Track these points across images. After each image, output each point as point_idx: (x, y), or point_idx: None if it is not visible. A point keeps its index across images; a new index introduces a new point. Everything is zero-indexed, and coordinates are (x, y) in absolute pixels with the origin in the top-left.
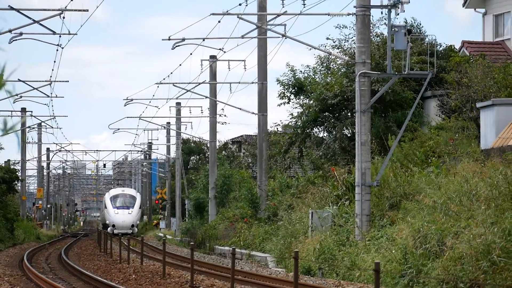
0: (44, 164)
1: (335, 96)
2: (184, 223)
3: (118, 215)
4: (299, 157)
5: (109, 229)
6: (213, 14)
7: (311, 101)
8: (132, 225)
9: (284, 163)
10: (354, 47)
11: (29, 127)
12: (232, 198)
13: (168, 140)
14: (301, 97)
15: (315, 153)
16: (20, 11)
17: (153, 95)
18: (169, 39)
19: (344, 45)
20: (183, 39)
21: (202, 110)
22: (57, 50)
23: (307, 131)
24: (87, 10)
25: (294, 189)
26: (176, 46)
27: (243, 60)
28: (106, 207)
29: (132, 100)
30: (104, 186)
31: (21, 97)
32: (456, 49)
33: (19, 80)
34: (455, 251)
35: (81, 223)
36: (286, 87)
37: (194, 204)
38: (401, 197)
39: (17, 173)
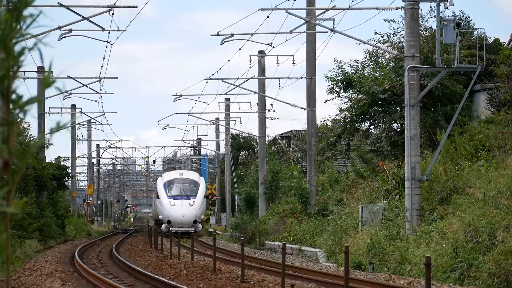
0: (94, 161)
1: (384, 91)
2: (234, 218)
3: (176, 208)
4: (347, 150)
5: (163, 226)
6: (261, 9)
7: (360, 95)
8: (195, 221)
9: (332, 155)
10: (403, 41)
11: (79, 124)
12: (280, 191)
13: (217, 136)
14: (350, 92)
15: (364, 147)
16: (70, 8)
17: (202, 91)
18: (217, 35)
19: (393, 39)
20: (232, 35)
21: (251, 106)
22: (106, 46)
23: (356, 125)
24: (136, 7)
25: (344, 183)
26: (225, 42)
27: (291, 55)
28: (158, 197)
29: (181, 96)
30: (153, 182)
31: (70, 94)
32: (505, 42)
33: (69, 77)
34: (506, 244)
35: (132, 219)
36: (335, 82)
37: (244, 199)
38: (451, 191)
39: (67, 169)
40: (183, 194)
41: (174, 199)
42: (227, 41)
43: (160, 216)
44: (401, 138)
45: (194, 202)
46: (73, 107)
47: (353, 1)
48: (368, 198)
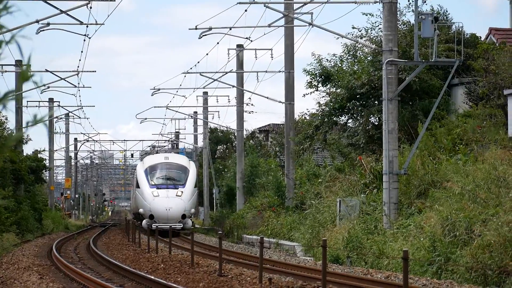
0: (72, 154)
1: (362, 85)
2: (212, 212)
3: (160, 199)
4: (323, 142)
5: (144, 222)
6: (239, 3)
7: (339, 90)
8: (184, 216)
9: (309, 145)
10: (381, 35)
11: (56, 117)
12: (259, 184)
13: (196, 130)
14: (328, 86)
15: (342, 142)
16: (47, 1)
17: (180, 85)
18: (196, 29)
19: (371, 33)
20: (210, 28)
21: (229, 99)
22: (84, 40)
23: (333, 118)
24: (114, 0)
25: (322, 177)
26: (203, 36)
27: (270, 49)
28: (138, 186)
29: (159, 89)
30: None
31: (48, 87)
32: (481, 37)
33: (47, 71)
34: (484, 238)
35: (109, 213)
36: (313, 76)
37: (225, 193)
38: (429, 185)
39: (44, 162)
40: (169, 183)
41: (158, 188)
42: (205, 35)
43: (141, 210)
44: (378, 132)
45: (182, 192)
46: (51, 100)
47: None
48: (346, 192)
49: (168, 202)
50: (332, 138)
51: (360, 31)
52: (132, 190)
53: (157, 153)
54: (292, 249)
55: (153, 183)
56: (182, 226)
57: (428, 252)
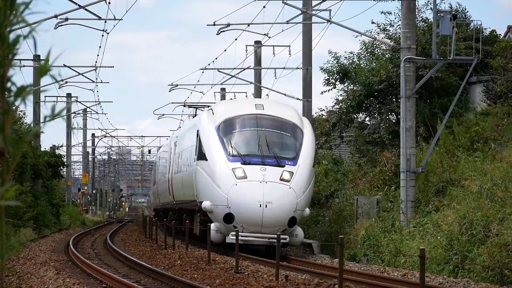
0: (89, 150)
1: (381, 82)
2: None
3: (247, 186)
4: (340, 139)
5: (213, 227)
6: None
7: (356, 87)
8: (293, 220)
9: (326, 141)
10: (399, 33)
11: (74, 112)
12: None
13: None
14: (346, 83)
15: (359, 139)
16: None
17: (198, 81)
18: (214, 25)
19: (389, 30)
20: (228, 25)
21: (246, 96)
22: (102, 35)
23: (351, 116)
24: None
25: (340, 174)
26: (221, 32)
27: (288, 46)
28: (202, 157)
29: (177, 85)
30: (149, 172)
31: (66, 82)
32: (501, 34)
33: (65, 66)
34: (501, 237)
35: (127, 208)
36: (330, 74)
37: None
38: (447, 183)
39: (62, 158)
40: (267, 155)
41: (244, 163)
42: (224, 31)
43: (206, 203)
44: (398, 129)
45: (293, 174)
46: (68, 95)
47: None
48: (365, 189)
49: (266, 192)
50: (350, 136)
51: (379, 26)
52: (166, 169)
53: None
54: (309, 246)
55: (233, 154)
56: (287, 239)
57: (445, 250)
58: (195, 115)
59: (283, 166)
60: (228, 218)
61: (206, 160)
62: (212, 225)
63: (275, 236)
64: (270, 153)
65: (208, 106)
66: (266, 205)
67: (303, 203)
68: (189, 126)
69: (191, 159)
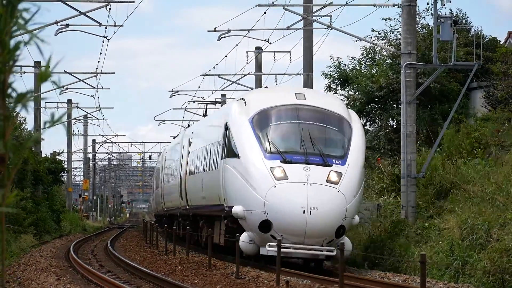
0: (90, 156)
1: (380, 88)
2: None
3: (288, 188)
4: None
5: (244, 237)
6: (258, 5)
7: (357, 93)
8: (342, 229)
9: None
10: (399, 39)
11: (75, 118)
12: None
13: None
14: (347, 89)
15: None
16: (67, 2)
17: (199, 87)
18: (214, 31)
19: (390, 36)
20: (229, 31)
21: None
22: (103, 41)
23: None
24: (133, 1)
25: None
26: (222, 38)
27: (288, 52)
28: (231, 154)
29: (177, 91)
30: (149, 178)
31: (67, 88)
32: (500, 40)
33: (65, 72)
34: (502, 242)
35: (127, 214)
36: (332, 79)
37: None
38: (448, 188)
39: (63, 164)
40: (311, 152)
41: (284, 162)
42: (224, 37)
43: (237, 209)
44: (397, 136)
45: (342, 175)
46: (69, 102)
47: None
48: (364, 194)
49: (310, 196)
50: None
51: (379, 34)
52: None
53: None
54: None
55: (271, 150)
56: (334, 252)
57: (446, 255)
58: (205, 114)
59: (330, 166)
60: (265, 226)
61: (238, 157)
62: (244, 235)
63: (324, 248)
64: (314, 150)
65: (219, 103)
66: (310, 211)
67: (353, 209)
68: (213, 119)
69: (217, 157)
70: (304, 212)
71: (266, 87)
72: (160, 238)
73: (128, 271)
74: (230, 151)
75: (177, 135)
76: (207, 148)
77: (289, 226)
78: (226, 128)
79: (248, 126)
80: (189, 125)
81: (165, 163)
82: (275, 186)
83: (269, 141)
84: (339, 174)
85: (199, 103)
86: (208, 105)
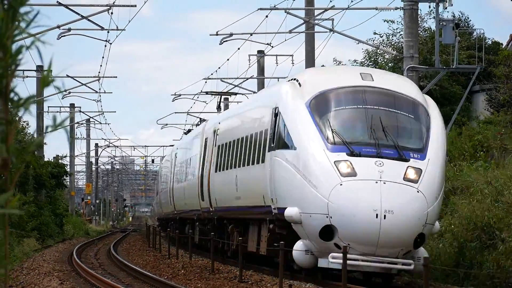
0: (93, 160)
1: None
2: None
3: (357, 187)
4: None
5: (299, 247)
6: (260, 9)
7: None
8: (421, 238)
9: None
10: (402, 42)
11: (77, 122)
12: None
13: None
14: None
15: None
16: (69, 7)
17: (201, 90)
18: (216, 34)
19: (392, 39)
20: (231, 34)
21: None
22: (105, 45)
23: None
24: (135, 6)
25: None
26: (224, 41)
27: (290, 55)
28: (284, 145)
29: (180, 95)
30: (152, 181)
31: (69, 93)
32: (502, 44)
33: (68, 76)
34: (506, 244)
35: (130, 218)
36: None
37: None
38: (450, 191)
39: (65, 167)
40: (384, 144)
41: (351, 155)
42: (226, 40)
43: (292, 211)
44: None
45: (422, 172)
46: (72, 106)
47: (352, 1)
48: None
49: (385, 196)
50: None
51: (381, 37)
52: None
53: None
54: None
55: (335, 140)
56: (412, 266)
57: (449, 258)
58: (219, 107)
59: (407, 160)
60: (327, 232)
61: (293, 148)
62: (299, 243)
63: (399, 261)
64: (388, 141)
65: (234, 94)
66: (384, 216)
67: (434, 213)
68: (254, 106)
69: (261, 149)
70: (377, 217)
71: (323, 65)
72: (163, 242)
73: (131, 275)
74: (281, 142)
75: (187, 132)
76: (243, 139)
77: (358, 233)
78: (276, 115)
79: (306, 112)
80: (201, 120)
81: (175, 162)
82: (341, 184)
83: (331, 130)
84: (418, 171)
85: (212, 94)
86: (222, 97)
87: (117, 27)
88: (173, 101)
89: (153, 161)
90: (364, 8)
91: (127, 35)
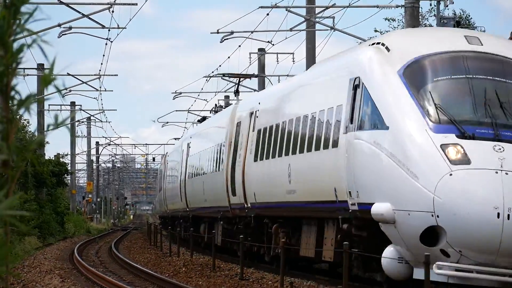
0: (94, 158)
1: None
2: None
3: (475, 178)
4: None
5: (388, 252)
6: (261, 7)
7: None
8: None
9: None
10: None
11: (78, 121)
12: None
13: None
14: None
15: None
16: (69, 5)
17: (202, 88)
18: (217, 32)
19: None
20: (232, 32)
21: None
22: (106, 44)
23: None
24: (136, 4)
25: None
26: (225, 39)
27: (291, 53)
28: (365, 124)
29: (180, 93)
30: (153, 179)
31: (70, 91)
32: None
33: (69, 74)
34: None
35: (131, 216)
36: None
37: None
38: None
39: (66, 166)
40: (505, 123)
41: (463, 137)
42: (227, 38)
43: (380, 207)
44: None
45: None
46: (72, 104)
47: None
48: None
49: (508, 190)
50: None
51: (382, 34)
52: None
53: None
54: None
55: (441, 119)
56: None
57: None
58: (237, 91)
59: None
60: (432, 235)
61: (384, 128)
62: (390, 249)
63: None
64: (508, 120)
65: (255, 77)
66: (508, 216)
67: None
68: (317, 77)
69: (333, 130)
70: (498, 216)
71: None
72: (164, 240)
73: (132, 273)
74: (366, 120)
75: (202, 119)
76: (300, 120)
77: (473, 237)
78: (355, 87)
79: (399, 82)
80: (216, 110)
81: (188, 152)
82: (450, 174)
83: (435, 105)
84: None
85: (230, 76)
86: (241, 79)
87: (118, 25)
88: (173, 99)
89: (154, 159)
90: (365, 6)
91: (127, 33)
